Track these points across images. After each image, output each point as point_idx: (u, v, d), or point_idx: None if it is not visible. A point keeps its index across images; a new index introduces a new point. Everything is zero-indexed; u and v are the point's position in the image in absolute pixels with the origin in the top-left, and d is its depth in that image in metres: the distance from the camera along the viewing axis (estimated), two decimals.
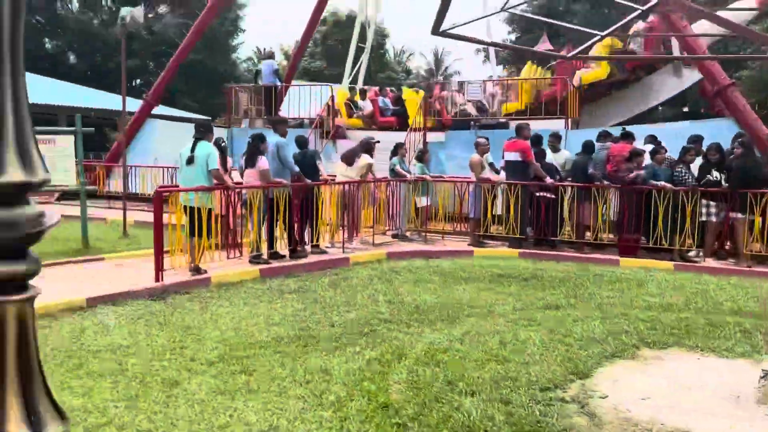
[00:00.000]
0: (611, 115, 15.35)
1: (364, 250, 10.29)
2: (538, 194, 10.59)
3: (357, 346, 5.24)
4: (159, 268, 7.26)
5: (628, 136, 10.95)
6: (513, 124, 14.46)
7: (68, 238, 9.95)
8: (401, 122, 15.90)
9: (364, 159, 10.74)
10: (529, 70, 14.80)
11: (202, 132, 8.13)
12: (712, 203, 9.53)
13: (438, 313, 6.35)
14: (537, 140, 11.01)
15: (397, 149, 11.98)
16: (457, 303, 6.78)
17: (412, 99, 15.95)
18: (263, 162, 8.66)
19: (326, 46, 43.88)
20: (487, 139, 11.49)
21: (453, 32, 4.82)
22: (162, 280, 7.21)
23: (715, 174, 9.54)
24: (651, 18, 14.37)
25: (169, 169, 16.41)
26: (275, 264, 8.63)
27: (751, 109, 12.27)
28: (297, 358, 4.90)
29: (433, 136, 14.91)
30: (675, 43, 14.18)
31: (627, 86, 15.14)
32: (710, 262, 9.51)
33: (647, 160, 10.33)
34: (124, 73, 12.03)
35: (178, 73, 19.09)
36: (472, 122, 14.81)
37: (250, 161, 8.75)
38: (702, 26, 14.36)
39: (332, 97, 15.82)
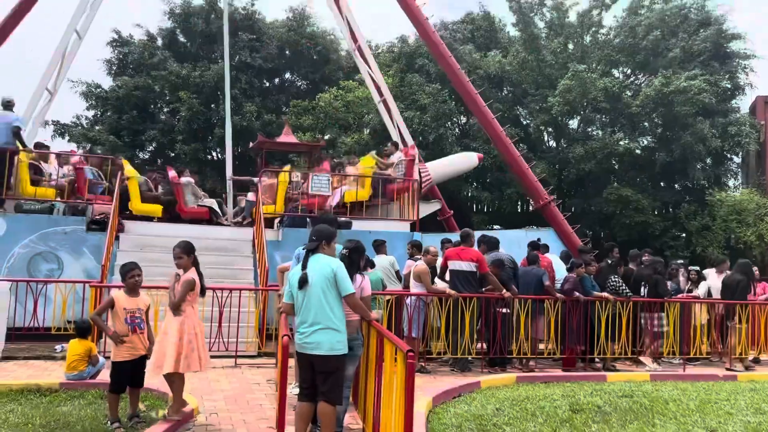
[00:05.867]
0: None
1: None
2: (501, 310, 9.60)
3: None
4: None
5: (537, 247, 11.06)
6: (357, 224, 13.01)
7: None
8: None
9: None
10: (369, 161, 13.61)
11: (318, 239, 4.89)
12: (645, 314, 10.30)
13: None
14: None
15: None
16: None
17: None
18: (367, 284, 5.43)
19: None
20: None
21: None
22: None
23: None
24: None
25: None
26: None
27: (567, 222, 14.01)
28: None
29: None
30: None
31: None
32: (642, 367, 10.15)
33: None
34: None
35: None
36: (308, 219, 12.62)
37: None
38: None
39: (122, 168, 11.32)
